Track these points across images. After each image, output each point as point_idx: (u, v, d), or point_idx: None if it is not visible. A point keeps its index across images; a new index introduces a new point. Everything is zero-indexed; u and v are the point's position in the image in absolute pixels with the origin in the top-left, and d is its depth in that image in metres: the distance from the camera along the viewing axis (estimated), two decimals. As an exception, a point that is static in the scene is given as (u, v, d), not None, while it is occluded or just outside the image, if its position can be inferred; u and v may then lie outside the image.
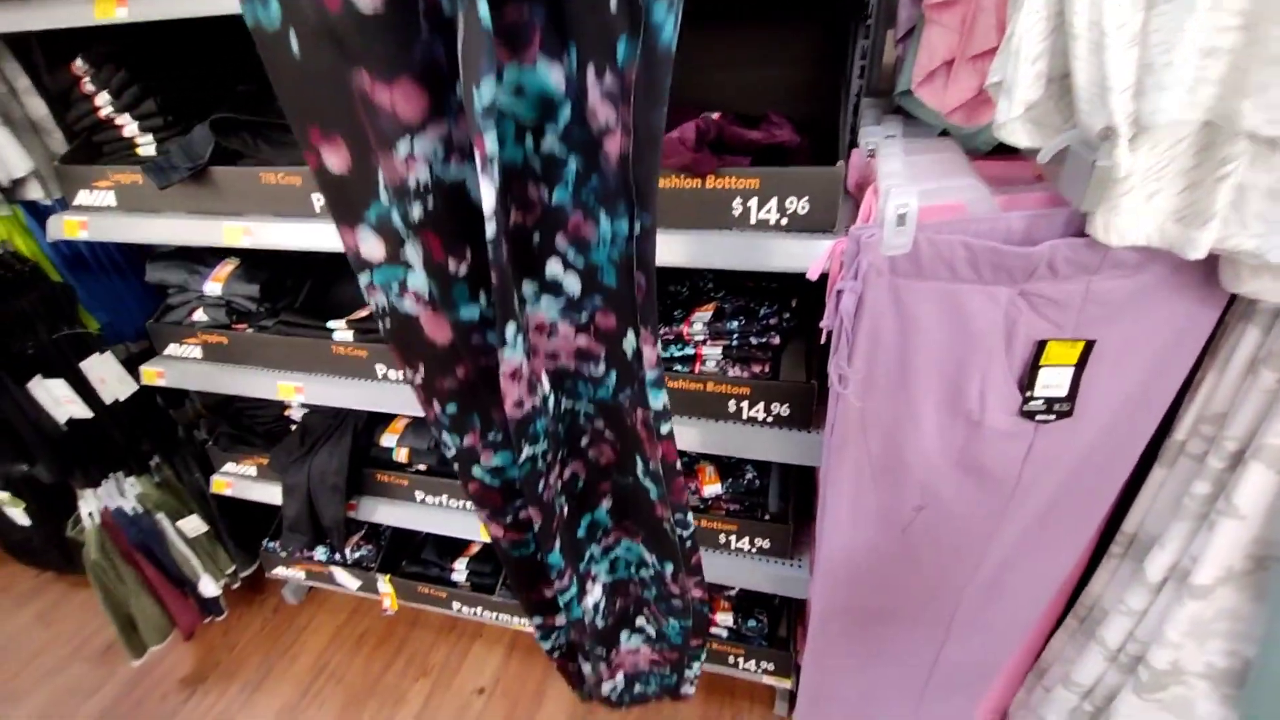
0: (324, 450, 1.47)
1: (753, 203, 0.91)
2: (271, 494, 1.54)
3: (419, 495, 1.49)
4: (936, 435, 0.80)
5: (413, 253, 0.59)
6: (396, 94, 0.49)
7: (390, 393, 1.30)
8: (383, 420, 1.53)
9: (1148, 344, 0.71)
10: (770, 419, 1.12)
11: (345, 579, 1.69)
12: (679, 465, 0.78)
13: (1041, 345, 0.71)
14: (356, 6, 0.45)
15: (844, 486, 0.88)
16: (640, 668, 1.12)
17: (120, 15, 0.95)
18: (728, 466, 1.31)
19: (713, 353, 1.14)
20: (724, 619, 1.44)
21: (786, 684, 1.44)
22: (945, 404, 0.77)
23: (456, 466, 0.76)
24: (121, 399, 1.49)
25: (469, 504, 1.36)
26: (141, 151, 1.23)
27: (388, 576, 1.64)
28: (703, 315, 1.14)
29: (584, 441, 0.81)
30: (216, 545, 1.68)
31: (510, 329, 0.58)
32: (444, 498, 1.48)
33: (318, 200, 1.13)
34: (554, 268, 0.64)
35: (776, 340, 1.11)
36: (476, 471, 0.75)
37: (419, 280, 0.61)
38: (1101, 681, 0.95)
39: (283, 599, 1.88)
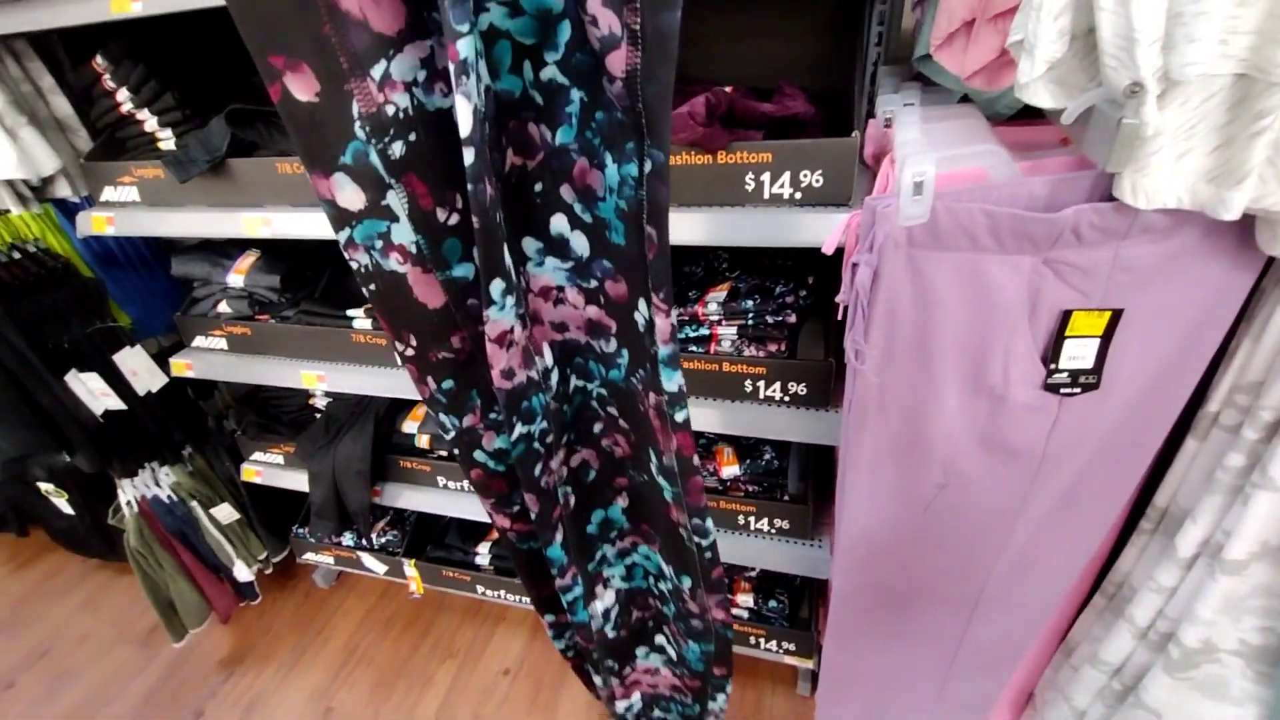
0: (348, 437, 1.50)
1: (766, 177, 0.89)
2: (299, 481, 1.58)
3: (441, 480, 1.52)
4: (958, 411, 0.78)
5: (396, 201, 0.53)
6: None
7: (410, 380, 1.31)
8: (404, 407, 1.56)
9: (1179, 312, 0.69)
10: (788, 398, 1.10)
11: (372, 563, 1.73)
12: (696, 461, 0.70)
13: (1066, 316, 0.69)
14: None
15: (863, 465, 0.86)
16: (660, 691, 1.05)
17: (135, 9, 0.96)
18: (746, 447, 1.30)
19: (728, 333, 1.13)
20: (745, 600, 1.44)
21: (809, 664, 1.44)
22: (966, 379, 0.75)
23: (457, 451, 0.68)
24: (154, 391, 1.53)
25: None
26: (163, 146, 1.26)
27: (413, 561, 1.68)
28: (717, 295, 1.13)
29: (597, 429, 0.75)
30: (248, 532, 1.73)
31: (497, 286, 0.53)
32: (465, 483, 1.49)
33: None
34: (559, 224, 0.58)
35: (793, 319, 1.09)
36: (479, 456, 0.69)
37: (404, 232, 0.55)
38: (1131, 660, 0.93)
39: (314, 584, 1.93)
